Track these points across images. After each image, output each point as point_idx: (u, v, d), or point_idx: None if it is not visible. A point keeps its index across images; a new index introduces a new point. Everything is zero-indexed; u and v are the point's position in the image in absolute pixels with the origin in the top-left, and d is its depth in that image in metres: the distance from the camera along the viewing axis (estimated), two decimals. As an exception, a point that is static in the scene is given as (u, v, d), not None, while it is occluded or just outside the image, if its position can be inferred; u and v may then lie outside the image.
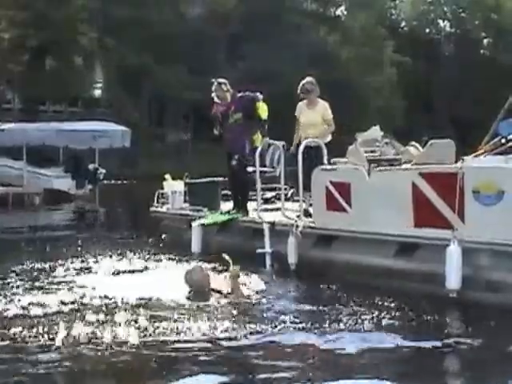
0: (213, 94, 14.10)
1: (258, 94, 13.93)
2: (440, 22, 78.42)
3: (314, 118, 12.97)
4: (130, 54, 50.25)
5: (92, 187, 31.52)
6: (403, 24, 78.23)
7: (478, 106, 65.61)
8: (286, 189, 13.27)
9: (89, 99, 52.59)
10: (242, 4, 56.76)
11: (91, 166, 31.62)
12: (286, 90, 53.11)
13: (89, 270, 12.43)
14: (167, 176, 15.55)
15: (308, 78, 13.21)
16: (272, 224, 12.35)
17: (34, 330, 8.44)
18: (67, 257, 13.65)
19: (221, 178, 14.99)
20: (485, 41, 78.99)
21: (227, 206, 14.39)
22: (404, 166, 11.00)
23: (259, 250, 12.23)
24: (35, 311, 9.36)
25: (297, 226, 11.74)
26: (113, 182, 34.63)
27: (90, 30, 53.40)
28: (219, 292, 10.13)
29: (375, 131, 12.09)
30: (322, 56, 58.85)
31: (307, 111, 13.14)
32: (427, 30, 77.61)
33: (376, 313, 9.15)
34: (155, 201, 15.79)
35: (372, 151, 11.77)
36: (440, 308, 9.42)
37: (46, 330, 8.45)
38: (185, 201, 15.23)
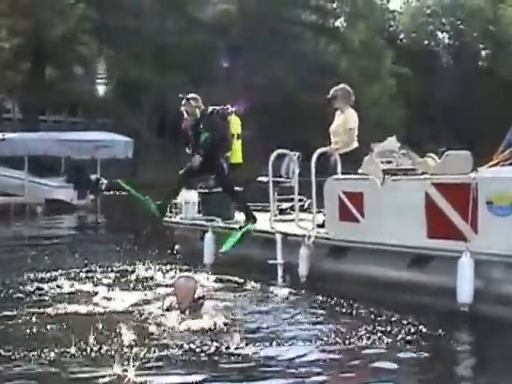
0: (182, 109, 13.88)
1: (228, 107, 13.69)
2: (438, 33, 78.60)
3: (336, 126, 12.62)
4: (130, 64, 50.23)
5: (94, 197, 31.44)
6: (402, 36, 78.36)
7: (476, 116, 65.77)
8: (301, 200, 13.15)
9: (89, 109, 52.49)
10: (242, 15, 56.81)
11: (93, 176, 31.57)
12: (286, 101, 53.66)
13: (91, 279, 12.37)
14: None
15: (340, 85, 12.88)
16: (284, 234, 12.23)
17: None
18: (72, 265, 13.73)
19: (237, 188, 14.86)
20: (483, 52, 79.12)
21: (242, 216, 14.28)
22: (417, 176, 10.91)
23: (271, 261, 12.14)
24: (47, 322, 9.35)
25: (309, 237, 11.66)
26: (111, 192, 34.40)
27: (90, 39, 53.41)
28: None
29: (392, 142, 11.94)
30: (321, 67, 58.92)
31: (335, 119, 12.81)
32: (426, 42, 77.76)
33: (387, 329, 9.03)
34: (168, 211, 15.53)
35: (388, 162, 11.64)
36: (451, 322, 9.31)
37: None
38: (198, 211, 15.12)
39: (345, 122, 12.42)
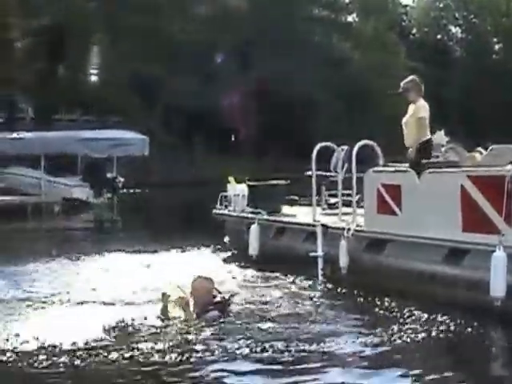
0: None
1: None
2: (451, 27, 78.27)
3: (406, 118, 12.24)
4: (143, 62, 50.19)
5: (110, 196, 31.39)
6: (414, 30, 78.05)
7: (490, 110, 65.50)
8: (349, 194, 13.04)
9: (102, 107, 52.47)
10: (254, 11, 56.69)
11: (110, 175, 31.53)
12: (299, 96, 53.57)
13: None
14: (230, 178, 15.51)
15: (410, 77, 12.55)
16: (325, 227, 12.31)
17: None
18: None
19: (283, 181, 15.02)
20: (496, 46, 78.74)
21: (289, 209, 14.54)
22: (452, 169, 10.79)
23: (311, 254, 12.22)
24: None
25: (348, 230, 11.64)
26: (125, 190, 34.54)
27: (102, 38, 53.39)
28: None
29: (440, 136, 11.84)
30: (334, 62, 58.81)
31: (408, 111, 12.41)
32: (438, 36, 77.44)
33: (420, 324, 9.08)
34: (218, 203, 15.85)
35: (436, 156, 11.55)
36: (483, 317, 9.26)
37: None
38: (247, 203, 15.23)
39: (415, 112, 12.00)
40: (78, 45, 50.69)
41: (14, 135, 32.83)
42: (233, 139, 57.60)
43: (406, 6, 78.45)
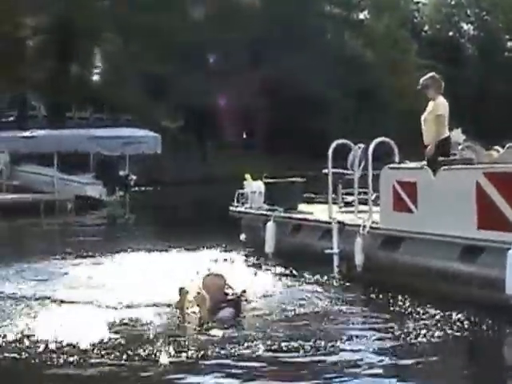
0: None
1: None
2: (463, 24, 77.98)
3: (425, 115, 12.08)
4: (155, 60, 50.19)
5: (123, 194, 31.43)
6: (426, 27, 77.82)
7: (502, 107, 65.20)
8: (366, 193, 13.07)
9: (114, 105, 52.50)
10: (266, 8, 56.61)
11: (122, 173, 31.58)
12: (310, 94, 53.47)
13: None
14: (247, 176, 15.54)
15: (429, 74, 12.39)
16: (341, 224, 12.33)
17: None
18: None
19: (300, 179, 15.04)
20: (508, 43, 78.42)
21: (305, 207, 14.57)
22: (468, 166, 10.78)
23: (327, 250, 12.26)
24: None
25: (364, 227, 11.63)
26: (137, 188, 34.61)
27: (114, 36, 53.41)
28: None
29: (457, 134, 11.79)
30: (345, 60, 58.67)
31: (427, 108, 12.24)
32: (450, 33, 77.18)
33: (434, 322, 9.07)
34: (235, 200, 15.93)
35: (453, 154, 11.50)
36: (498, 315, 9.20)
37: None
38: (264, 201, 15.32)
39: (434, 109, 11.86)
40: (89, 43, 50.72)
41: (27, 133, 32.93)
42: (244, 137, 57.58)
43: (418, 2, 78.27)
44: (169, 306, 9.83)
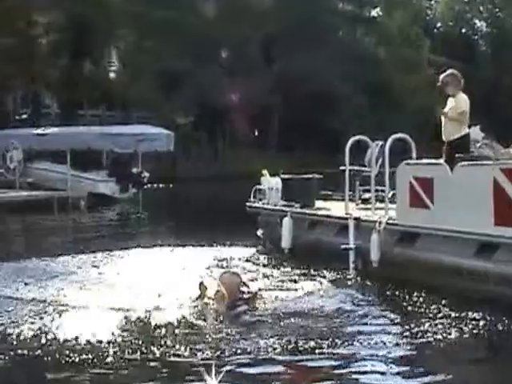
0: None
1: None
2: (476, 21, 77.66)
3: (446, 112, 11.97)
4: (168, 57, 50.24)
5: (136, 191, 31.45)
6: (439, 24, 77.55)
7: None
8: (383, 190, 13.04)
9: (126, 102, 52.60)
10: (279, 5, 56.51)
11: (135, 170, 31.60)
12: (322, 91, 53.42)
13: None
14: (264, 172, 15.54)
15: (448, 70, 12.27)
16: (357, 220, 12.34)
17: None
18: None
19: (317, 175, 15.04)
20: (522, 40, 78.01)
21: (322, 203, 14.63)
22: (485, 162, 10.71)
23: (343, 246, 12.26)
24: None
25: (380, 223, 11.62)
26: (150, 185, 34.69)
27: (128, 33, 53.47)
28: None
29: (475, 131, 11.72)
30: (358, 57, 58.59)
31: (447, 105, 12.12)
32: (463, 30, 76.91)
33: (450, 320, 9.03)
34: (252, 196, 15.92)
35: (471, 151, 11.44)
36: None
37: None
38: (282, 197, 15.31)
39: (456, 106, 11.76)
40: (102, 40, 50.79)
41: (40, 131, 33.00)
42: (256, 134, 57.55)
43: (431, -1, 78.12)
44: (187, 300, 9.82)
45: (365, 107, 58.27)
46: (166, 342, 8.18)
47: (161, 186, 38.28)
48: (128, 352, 7.91)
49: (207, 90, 49.90)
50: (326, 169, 16.40)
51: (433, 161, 11.56)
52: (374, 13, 71.25)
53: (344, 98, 56.41)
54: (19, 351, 8.00)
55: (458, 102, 11.75)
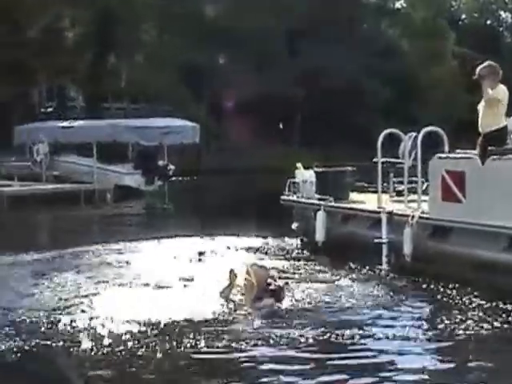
0: None
1: None
2: (501, 13, 77.00)
3: (481, 104, 11.79)
4: (191, 50, 50.30)
5: (162, 183, 31.54)
6: (463, 16, 77.00)
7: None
8: (417, 182, 12.95)
9: (150, 96, 52.72)
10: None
11: (161, 163, 31.69)
12: (347, 84, 53.25)
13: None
14: (299, 165, 15.55)
15: (486, 62, 12.13)
16: (390, 214, 12.31)
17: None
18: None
19: (350, 168, 15.02)
20: (548, 31, 77.40)
21: (357, 196, 14.65)
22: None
23: (376, 240, 12.25)
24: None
25: (412, 217, 11.57)
26: (175, 178, 34.78)
27: (151, 27, 53.58)
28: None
29: (510, 123, 11.57)
30: (382, 49, 58.32)
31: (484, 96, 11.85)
32: (488, 22, 76.30)
33: (481, 315, 9.06)
34: (286, 189, 15.92)
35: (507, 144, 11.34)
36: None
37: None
38: (316, 190, 15.30)
39: (488, 98, 11.52)
40: (127, 34, 50.90)
41: (66, 124, 33.18)
42: (281, 127, 57.43)
43: (455, -9, 77.52)
44: (215, 289, 9.90)
45: (389, 100, 57.96)
46: (186, 330, 8.32)
47: (185, 178, 38.35)
48: (152, 345, 8.00)
49: (232, 83, 49.89)
50: (353, 162, 16.35)
51: (464, 154, 11.46)
52: (398, 5, 70.90)
53: (368, 90, 56.14)
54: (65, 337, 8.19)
55: (496, 93, 11.51)
